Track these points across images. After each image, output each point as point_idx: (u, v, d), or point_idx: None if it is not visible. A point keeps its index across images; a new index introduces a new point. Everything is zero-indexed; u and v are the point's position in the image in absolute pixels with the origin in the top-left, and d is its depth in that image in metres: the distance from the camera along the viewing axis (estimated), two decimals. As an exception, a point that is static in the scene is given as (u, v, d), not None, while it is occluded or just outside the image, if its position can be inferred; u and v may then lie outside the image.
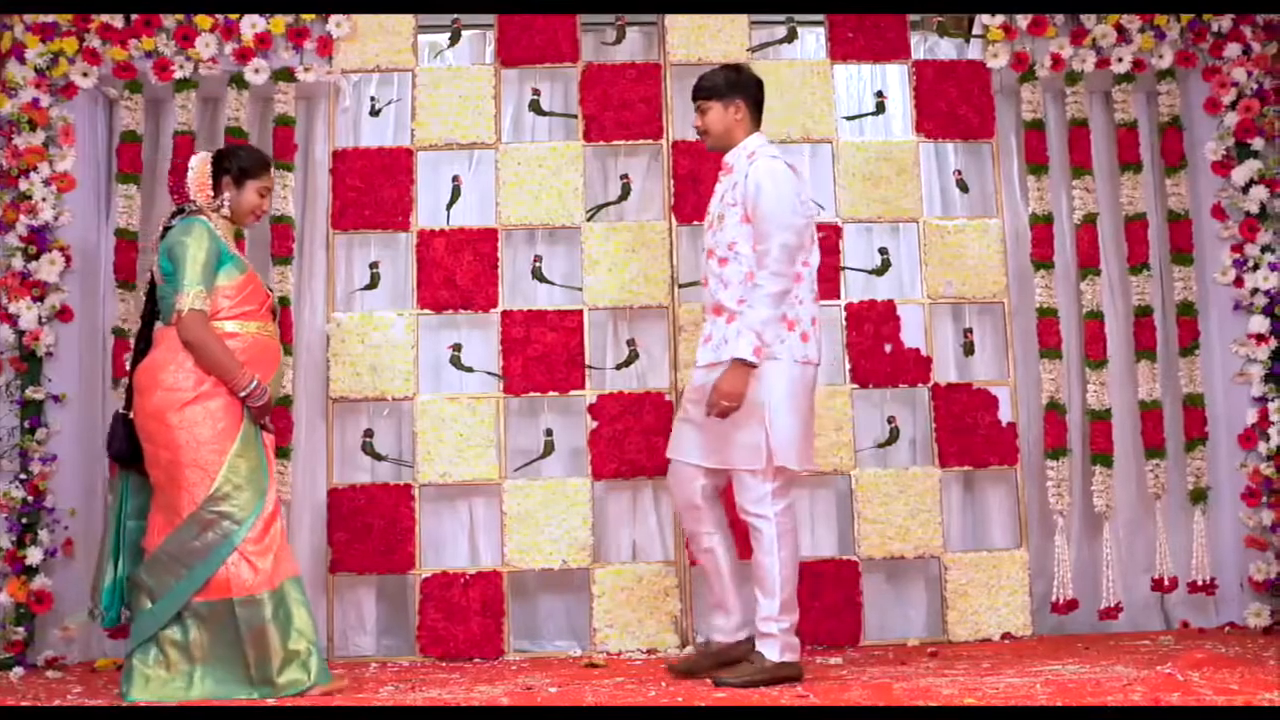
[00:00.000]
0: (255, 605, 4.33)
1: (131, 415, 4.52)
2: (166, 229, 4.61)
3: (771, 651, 4.41)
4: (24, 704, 4.36)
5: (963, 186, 6.14)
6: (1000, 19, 6.02)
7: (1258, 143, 5.96)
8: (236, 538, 4.35)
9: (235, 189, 4.64)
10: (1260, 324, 5.88)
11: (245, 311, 4.54)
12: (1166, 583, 5.82)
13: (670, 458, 4.69)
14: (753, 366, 4.35)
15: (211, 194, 4.62)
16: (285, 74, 5.84)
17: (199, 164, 4.65)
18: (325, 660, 4.46)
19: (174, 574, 4.36)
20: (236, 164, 4.65)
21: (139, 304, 5.71)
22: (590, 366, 5.75)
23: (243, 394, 4.43)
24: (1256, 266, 5.91)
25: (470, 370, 5.82)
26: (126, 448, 4.55)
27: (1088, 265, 5.96)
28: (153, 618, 4.38)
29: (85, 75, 5.75)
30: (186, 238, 4.46)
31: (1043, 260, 5.95)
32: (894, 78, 6.19)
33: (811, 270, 4.56)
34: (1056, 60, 6.02)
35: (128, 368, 4.67)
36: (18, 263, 5.59)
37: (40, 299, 5.59)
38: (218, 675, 4.33)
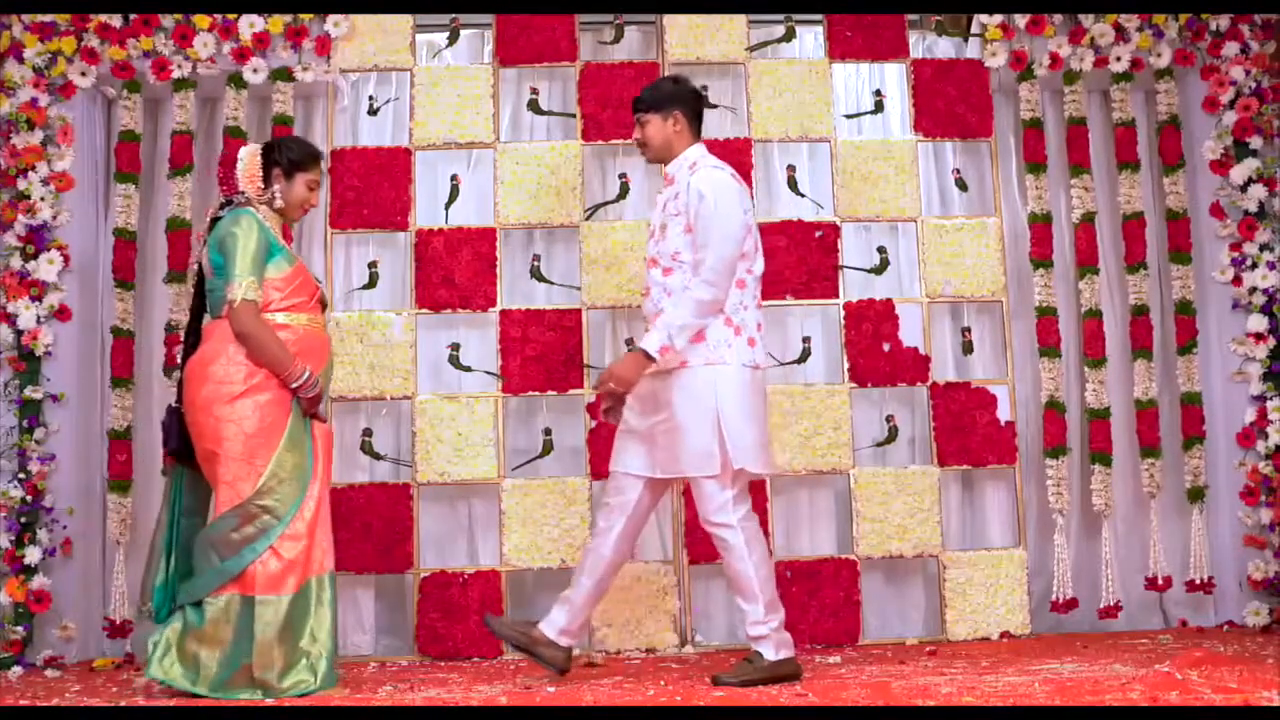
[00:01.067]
0: (275, 605, 4.31)
1: (183, 409, 4.50)
2: (214, 220, 4.57)
3: (768, 650, 4.41)
4: (22, 703, 4.36)
5: (961, 185, 6.14)
6: (998, 18, 6.02)
7: (1256, 141, 5.97)
8: (274, 534, 4.32)
9: (285, 181, 4.61)
10: (1259, 322, 5.89)
11: (295, 303, 4.51)
12: (1161, 581, 5.82)
13: (612, 468, 4.66)
14: (651, 361, 4.36)
15: (262, 186, 4.59)
16: (283, 74, 5.84)
17: (249, 155, 4.61)
18: (333, 665, 4.42)
19: (207, 560, 4.34)
20: (287, 156, 4.62)
21: (138, 303, 5.75)
22: (589, 366, 5.74)
23: (295, 385, 4.39)
24: (1255, 265, 5.92)
25: (469, 369, 5.82)
26: (182, 443, 4.52)
27: (1086, 264, 5.97)
28: (183, 593, 4.38)
29: (83, 75, 5.75)
30: (236, 229, 4.43)
31: (1041, 259, 5.95)
32: (892, 77, 6.19)
33: (755, 277, 4.57)
34: (1055, 59, 6.02)
35: (178, 361, 4.63)
36: (16, 262, 5.60)
37: (38, 298, 5.59)
38: (224, 666, 4.28)
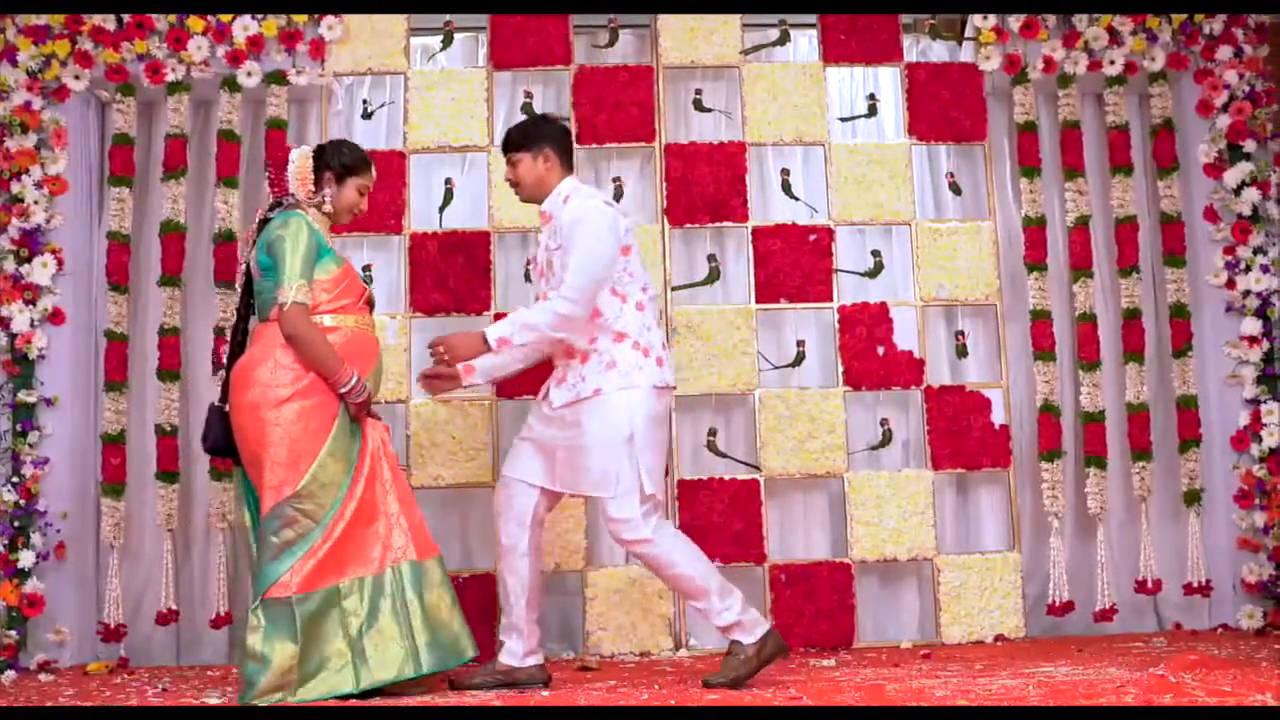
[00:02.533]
0: (325, 600, 4.29)
1: (227, 409, 4.48)
2: (264, 221, 4.55)
3: (743, 636, 4.39)
4: (16, 707, 4.35)
5: (955, 189, 6.14)
6: (992, 21, 6.03)
7: (1249, 145, 5.98)
8: (312, 538, 4.30)
9: (336, 185, 4.59)
10: (1252, 326, 5.90)
11: (343, 305, 4.49)
12: (1150, 584, 5.83)
13: (506, 475, 4.65)
14: (487, 348, 4.39)
15: (312, 189, 4.57)
16: (277, 77, 5.84)
17: (300, 158, 4.59)
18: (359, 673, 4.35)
19: (258, 563, 4.34)
20: (339, 160, 4.60)
21: (131, 307, 5.75)
22: (583, 369, 5.74)
23: (343, 390, 4.37)
24: (1248, 268, 5.93)
25: (463, 373, 5.82)
26: (223, 440, 4.51)
27: (1080, 267, 5.97)
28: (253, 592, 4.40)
29: (77, 78, 5.75)
30: (285, 231, 4.40)
31: (1035, 263, 5.96)
32: (886, 80, 6.20)
33: (650, 297, 4.59)
34: (1048, 63, 6.03)
35: (225, 362, 4.60)
36: (10, 265, 5.60)
37: (32, 302, 5.59)
38: (258, 673, 4.22)
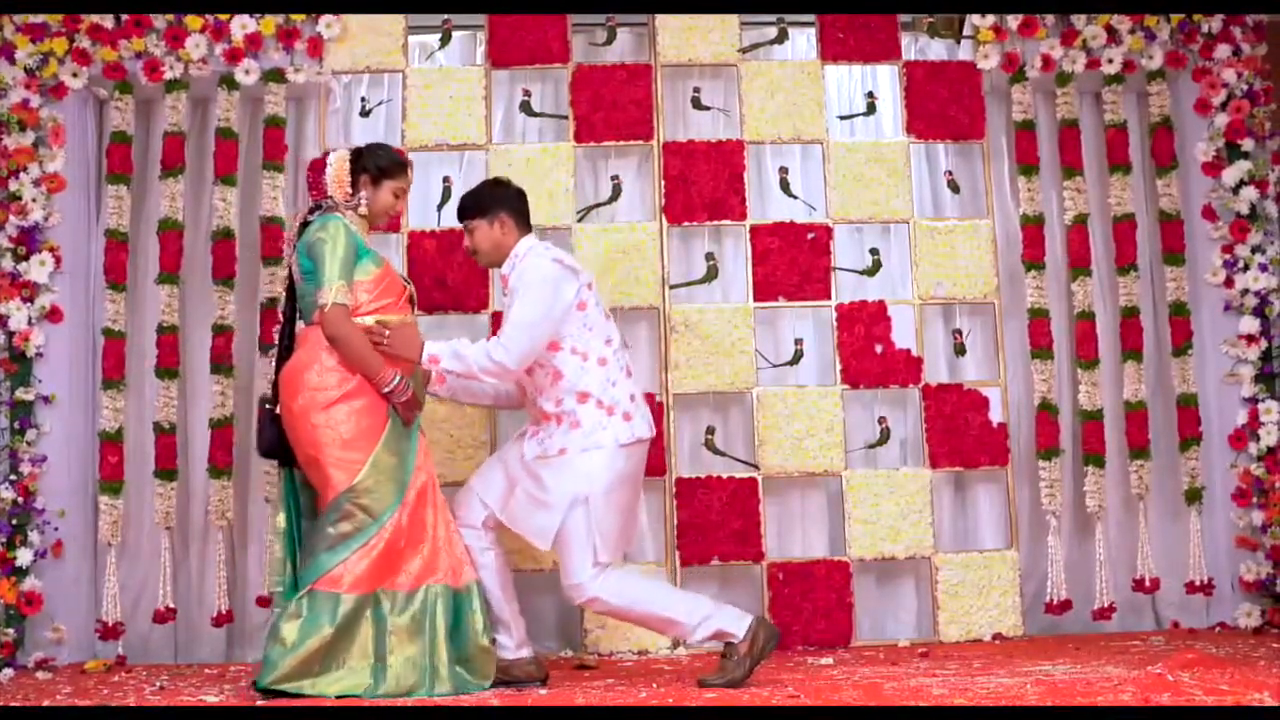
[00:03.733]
0: (361, 603, 4.31)
1: (277, 410, 4.51)
2: (304, 225, 4.58)
3: (733, 635, 4.41)
4: (13, 705, 4.35)
5: (953, 187, 6.14)
6: (991, 20, 6.02)
7: (1248, 144, 5.98)
8: (369, 532, 4.32)
9: (372, 188, 4.61)
10: (1250, 324, 5.90)
11: (385, 304, 4.51)
12: (1148, 583, 5.83)
13: (470, 483, 4.70)
14: (418, 364, 4.42)
15: (349, 191, 4.59)
16: (275, 75, 5.83)
17: (338, 161, 4.60)
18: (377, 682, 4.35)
19: (312, 553, 4.36)
20: (375, 163, 4.62)
21: (129, 305, 5.74)
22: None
23: (386, 390, 4.39)
24: (1247, 267, 5.93)
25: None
26: (276, 443, 4.53)
27: (1078, 266, 5.97)
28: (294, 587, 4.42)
29: (75, 76, 5.74)
30: (324, 234, 4.43)
31: (1034, 261, 5.95)
32: (885, 78, 6.19)
33: (615, 349, 4.60)
34: (1047, 61, 6.03)
35: (274, 365, 4.64)
36: (7, 263, 5.60)
37: (30, 300, 5.59)
38: (282, 657, 4.24)
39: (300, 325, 4.62)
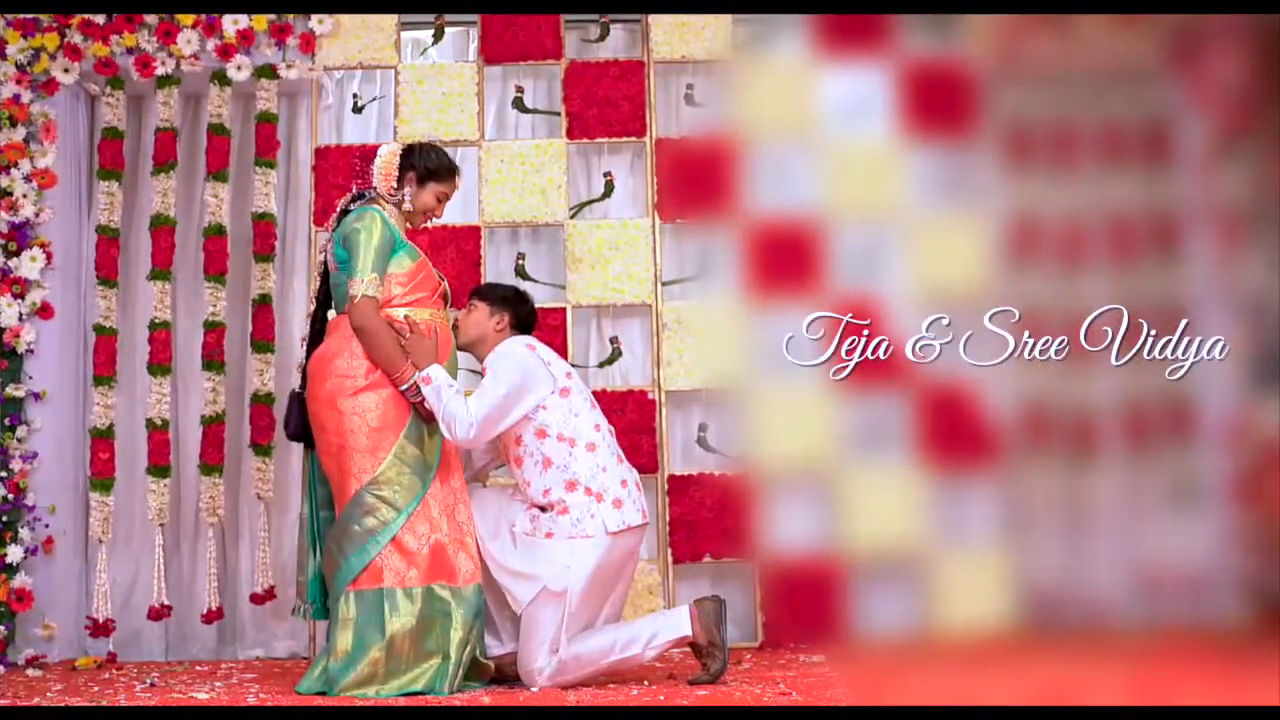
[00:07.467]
0: (404, 599, 4.29)
1: (306, 394, 4.51)
2: (343, 213, 4.59)
3: (680, 630, 4.40)
4: (3, 703, 4.34)
5: (947, 184, 6.13)
6: (985, 17, 6.01)
7: (1243, 144, 5.97)
8: (395, 526, 4.31)
9: (416, 186, 4.61)
10: (1246, 322, 5.89)
11: (418, 299, 4.50)
12: (1145, 581, 5.82)
13: (474, 502, 4.66)
14: (398, 385, 4.38)
15: (394, 186, 4.59)
16: (267, 71, 5.82)
17: (388, 154, 4.61)
18: (452, 675, 4.33)
19: (339, 554, 4.35)
20: (424, 163, 4.61)
21: (120, 301, 5.73)
22: (573, 364, 5.73)
23: (401, 389, 4.38)
24: (1244, 266, 5.92)
25: (454, 368, 5.81)
26: (303, 426, 4.54)
27: (1073, 261, 5.96)
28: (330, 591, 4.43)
29: (66, 71, 5.73)
30: (360, 224, 4.43)
31: (1028, 257, 5.94)
32: (878, 75, 6.17)
33: (604, 434, 4.58)
34: (1038, 58, 6.01)
35: (303, 352, 4.65)
36: (-2, 259, 5.59)
37: (21, 296, 5.57)
38: (347, 664, 4.25)
39: (332, 313, 4.62)
